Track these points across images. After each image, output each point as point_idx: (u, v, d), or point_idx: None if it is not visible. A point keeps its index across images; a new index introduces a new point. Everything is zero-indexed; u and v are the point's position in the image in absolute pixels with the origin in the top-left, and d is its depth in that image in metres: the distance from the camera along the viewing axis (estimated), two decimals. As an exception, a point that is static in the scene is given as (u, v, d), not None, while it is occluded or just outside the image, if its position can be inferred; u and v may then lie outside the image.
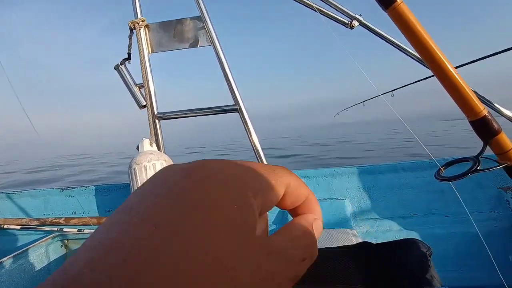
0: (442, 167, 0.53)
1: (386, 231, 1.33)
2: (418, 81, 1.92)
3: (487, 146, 0.52)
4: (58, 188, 1.75)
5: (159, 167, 1.42)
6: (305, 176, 1.47)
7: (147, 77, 1.66)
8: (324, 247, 0.83)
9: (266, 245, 0.15)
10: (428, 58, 0.49)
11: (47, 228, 1.70)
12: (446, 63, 0.49)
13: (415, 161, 1.40)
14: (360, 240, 1.20)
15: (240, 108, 1.57)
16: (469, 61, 1.52)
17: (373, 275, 0.73)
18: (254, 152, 1.56)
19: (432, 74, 0.53)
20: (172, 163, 1.52)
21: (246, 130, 1.57)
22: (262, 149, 1.58)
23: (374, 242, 0.76)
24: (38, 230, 1.71)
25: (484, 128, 0.49)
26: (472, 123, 0.50)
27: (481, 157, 0.48)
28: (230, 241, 0.13)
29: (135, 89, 1.68)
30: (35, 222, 1.72)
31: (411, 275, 0.69)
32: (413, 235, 1.30)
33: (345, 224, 1.34)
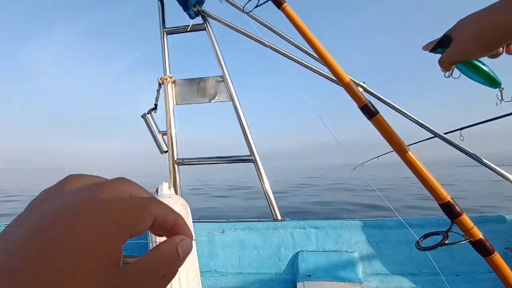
0: (420, 238, 0.64)
1: None
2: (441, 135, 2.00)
3: (454, 224, 0.64)
4: None
5: (177, 210, 1.50)
6: (315, 226, 1.52)
7: (170, 126, 1.83)
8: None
9: (123, 275, 0.17)
10: (403, 155, 0.63)
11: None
12: (415, 159, 0.63)
13: (422, 217, 1.44)
14: None
15: (255, 159, 1.69)
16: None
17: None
18: (267, 199, 1.65)
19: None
20: (188, 207, 1.61)
21: (259, 179, 1.67)
22: (274, 195, 1.66)
23: None
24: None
25: (449, 210, 0.61)
26: (440, 205, 0.63)
27: (450, 232, 0.59)
28: (91, 277, 0.15)
29: (159, 136, 1.84)
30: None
31: None
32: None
33: (354, 278, 1.35)
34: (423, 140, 2.22)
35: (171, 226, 0.21)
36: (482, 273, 1.32)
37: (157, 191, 1.66)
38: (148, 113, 1.92)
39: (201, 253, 1.61)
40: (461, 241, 0.59)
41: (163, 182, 1.70)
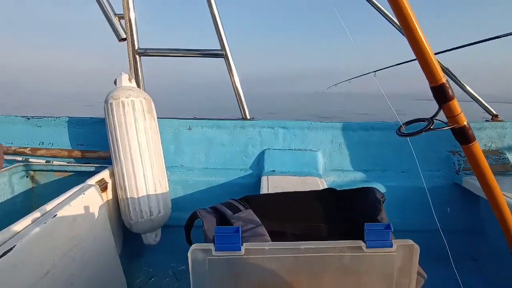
0: (403, 124, 0.62)
1: (350, 182, 1.49)
2: (400, 63, 2.01)
3: (441, 110, 0.60)
4: (24, 116, 1.64)
5: (138, 104, 1.38)
6: (284, 126, 1.54)
7: (128, 7, 1.53)
8: (296, 190, 0.91)
9: None
10: (406, 27, 0.54)
11: (9, 158, 1.62)
12: (418, 29, 0.54)
13: (383, 122, 1.53)
14: (326, 187, 1.33)
15: (226, 54, 1.53)
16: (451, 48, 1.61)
17: (334, 216, 0.84)
18: (236, 96, 1.58)
19: (413, 58, 0.58)
20: (152, 102, 1.49)
21: (230, 75, 1.56)
22: (245, 97, 1.59)
23: (338, 189, 0.86)
24: None
25: (441, 93, 0.57)
26: (432, 88, 0.58)
27: (435, 119, 0.57)
28: None
29: (115, 20, 1.55)
30: (-4, 151, 1.62)
31: (365, 216, 0.81)
32: (372, 185, 1.47)
33: (315, 173, 1.46)
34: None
35: None
36: (424, 171, 1.51)
37: (115, 83, 1.49)
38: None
39: (166, 148, 1.58)
40: (445, 127, 0.58)
41: (122, 73, 1.51)
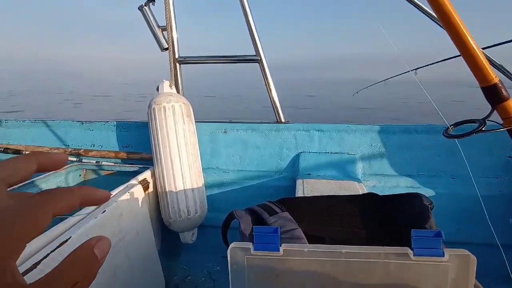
0: (451, 126, 0.57)
1: (392, 187, 1.40)
2: (442, 60, 1.87)
3: (494, 111, 0.55)
4: (78, 121, 1.81)
5: (178, 109, 1.45)
6: (319, 129, 1.51)
7: (170, 20, 1.62)
8: (333, 194, 0.88)
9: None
10: (446, 22, 0.50)
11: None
12: (465, 31, 0.50)
13: (428, 124, 1.42)
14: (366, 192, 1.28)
15: (261, 59, 1.55)
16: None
17: (375, 222, 0.80)
18: (271, 100, 1.59)
19: (457, 54, 0.54)
20: (190, 106, 1.55)
21: (264, 79, 1.57)
22: (280, 103, 1.59)
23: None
24: (58, 159, 1.80)
25: (494, 94, 0.53)
26: (483, 89, 0.53)
27: (488, 120, 0.52)
28: None
29: (158, 31, 1.66)
30: (56, 151, 1.81)
31: (411, 223, 0.76)
32: (419, 191, 1.38)
33: (354, 177, 1.41)
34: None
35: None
36: (479, 177, 1.38)
37: (157, 90, 1.58)
38: (145, 5, 1.69)
39: (203, 151, 1.63)
40: (500, 128, 0.52)
41: (164, 80, 1.60)
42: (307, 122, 1.53)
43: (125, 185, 1.28)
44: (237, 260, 0.45)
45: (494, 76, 0.52)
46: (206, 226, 1.53)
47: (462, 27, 0.52)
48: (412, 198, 0.75)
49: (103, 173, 1.78)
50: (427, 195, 1.41)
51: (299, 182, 1.37)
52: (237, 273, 0.45)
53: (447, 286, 0.40)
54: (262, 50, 1.57)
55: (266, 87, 1.60)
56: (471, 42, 0.52)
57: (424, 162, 1.43)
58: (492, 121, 0.55)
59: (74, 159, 1.76)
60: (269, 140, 1.57)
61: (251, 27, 1.55)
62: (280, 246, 0.44)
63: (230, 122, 1.65)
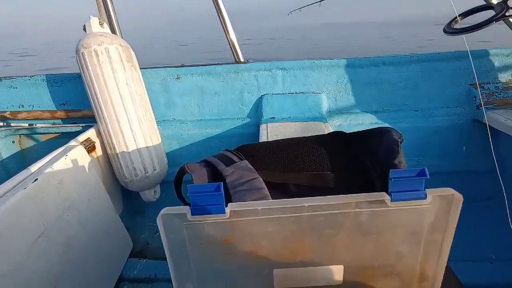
0: (459, 16, 0.44)
1: (358, 125, 1.36)
2: None
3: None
4: None
5: (114, 52, 1.21)
6: (282, 68, 1.36)
7: None
8: (298, 136, 0.79)
9: None
10: None
11: (-11, 123, 1.50)
12: None
13: (396, 55, 1.34)
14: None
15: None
16: None
17: (343, 162, 0.74)
18: (227, 38, 1.38)
19: None
20: (130, 49, 1.31)
21: (218, 14, 1.35)
22: (237, 37, 1.40)
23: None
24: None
25: None
26: None
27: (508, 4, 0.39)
28: None
29: None
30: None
31: (380, 159, 0.70)
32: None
33: (320, 118, 1.33)
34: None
35: None
36: (441, 108, 1.37)
37: (84, 29, 1.29)
38: None
39: (155, 103, 1.44)
40: None
41: (91, 16, 1.30)
42: (268, 60, 1.37)
43: (62, 148, 1.10)
44: (174, 229, 0.35)
45: None
46: (169, 182, 1.43)
47: None
48: (381, 133, 0.68)
49: (41, 137, 1.54)
50: (392, 130, 1.40)
51: (262, 127, 1.27)
52: (175, 245, 0.35)
53: (423, 230, 0.34)
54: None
55: (221, 22, 1.38)
56: None
57: (390, 96, 1.38)
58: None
59: (0, 123, 1.49)
60: (228, 84, 1.41)
61: None
62: (226, 206, 0.34)
63: (183, 66, 1.44)
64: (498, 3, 0.40)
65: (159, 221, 0.35)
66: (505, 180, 1.28)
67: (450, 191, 0.32)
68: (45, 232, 0.90)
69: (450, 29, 0.44)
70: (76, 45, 1.23)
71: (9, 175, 1.51)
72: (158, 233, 1.50)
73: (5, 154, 1.53)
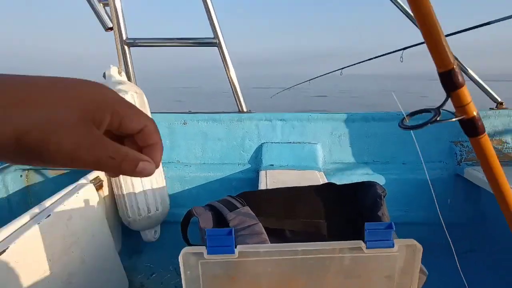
0: (406, 116, 0.57)
1: (351, 175, 1.46)
2: (407, 47, 1.90)
3: (449, 99, 0.56)
4: None
5: (129, 99, 1.35)
6: (281, 119, 1.50)
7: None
8: (294, 186, 0.89)
9: (97, 132, 0.21)
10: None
11: None
12: (431, 8, 0.50)
13: (384, 112, 1.49)
14: (326, 181, 1.32)
15: (220, 42, 1.48)
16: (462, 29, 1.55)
17: (334, 211, 0.82)
18: (232, 88, 1.54)
19: (421, 41, 0.54)
20: (144, 96, 1.45)
21: (224, 66, 1.51)
22: (241, 89, 1.56)
23: (338, 183, 0.84)
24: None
25: (450, 80, 0.52)
26: (440, 74, 0.53)
27: (442, 109, 0.52)
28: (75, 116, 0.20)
29: (99, 7, 1.48)
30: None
31: (365, 211, 0.79)
32: (373, 178, 1.46)
33: (315, 167, 1.44)
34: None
35: (138, 130, 0.23)
36: (426, 162, 1.49)
37: (104, 77, 1.44)
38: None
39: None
40: (453, 118, 0.53)
41: (111, 65, 1.46)
42: (269, 111, 1.52)
43: (73, 186, 1.17)
44: (191, 266, 0.42)
45: (453, 59, 0.52)
46: (169, 223, 1.47)
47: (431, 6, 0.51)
48: (367, 187, 0.77)
49: (49, 173, 1.62)
50: (381, 182, 1.50)
51: (262, 173, 1.36)
52: (192, 279, 0.42)
53: (395, 274, 0.42)
54: (221, 33, 1.49)
55: (227, 73, 1.55)
56: (437, 24, 0.50)
57: (379, 149, 1.50)
58: (446, 110, 0.56)
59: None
60: (231, 131, 1.53)
61: (207, 5, 1.46)
62: (236, 248, 0.42)
63: (190, 112, 1.58)
64: (433, 109, 0.54)
65: (180, 259, 0.42)
66: (488, 231, 1.35)
67: (412, 241, 0.40)
68: (51, 268, 0.94)
69: (403, 126, 0.58)
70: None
71: (12, 209, 1.56)
72: (154, 275, 1.51)
73: (11, 187, 1.59)
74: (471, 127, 0.53)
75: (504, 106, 1.57)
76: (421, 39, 0.49)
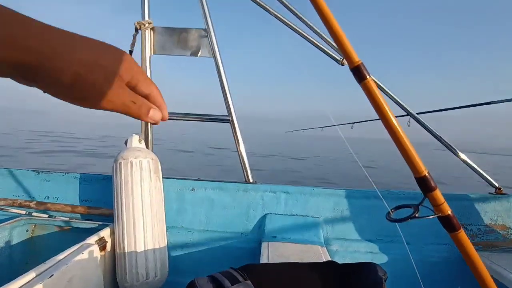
0: (392, 210, 0.67)
1: (353, 252, 1.45)
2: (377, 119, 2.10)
3: (426, 199, 0.67)
4: (34, 170, 1.71)
5: (145, 165, 1.45)
6: (285, 191, 1.57)
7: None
8: (295, 261, 0.91)
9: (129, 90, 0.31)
10: (387, 124, 0.64)
11: (15, 210, 1.64)
12: (399, 130, 0.64)
13: (386, 190, 1.55)
14: (328, 258, 1.31)
15: (232, 120, 1.65)
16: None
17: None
18: (240, 161, 1.65)
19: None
20: (158, 162, 1.56)
21: (235, 140, 1.65)
22: (248, 160, 1.67)
23: (341, 261, 0.87)
24: (4, 211, 1.65)
25: (424, 184, 0.63)
26: (416, 179, 0.65)
27: (421, 206, 0.62)
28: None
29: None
30: (2, 202, 1.66)
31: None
32: (377, 257, 1.44)
33: (317, 241, 1.44)
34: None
35: (146, 94, 0.33)
36: (431, 244, 1.48)
37: (126, 144, 1.58)
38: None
39: (168, 208, 1.60)
40: (430, 215, 0.62)
41: (133, 134, 1.62)
42: (274, 183, 1.60)
43: (79, 245, 1.19)
44: None
45: (424, 168, 0.64)
46: None
47: (397, 125, 0.65)
48: (368, 269, 0.80)
49: (55, 229, 1.64)
50: (384, 260, 1.47)
51: (264, 245, 1.37)
52: None
53: None
54: (234, 111, 1.68)
55: (236, 147, 1.68)
56: (405, 138, 0.64)
57: (382, 227, 1.51)
58: (426, 207, 0.65)
59: (23, 212, 1.62)
60: (236, 200, 1.59)
61: (224, 87, 1.67)
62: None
63: (199, 180, 1.67)
64: (413, 205, 0.64)
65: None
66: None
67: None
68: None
69: (389, 218, 0.68)
70: (116, 155, 1.48)
71: (13, 263, 1.54)
72: None
73: (15, 241, 1.59)
74: (448, 223, 0.61)
75: (502, 192, 1.62)
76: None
